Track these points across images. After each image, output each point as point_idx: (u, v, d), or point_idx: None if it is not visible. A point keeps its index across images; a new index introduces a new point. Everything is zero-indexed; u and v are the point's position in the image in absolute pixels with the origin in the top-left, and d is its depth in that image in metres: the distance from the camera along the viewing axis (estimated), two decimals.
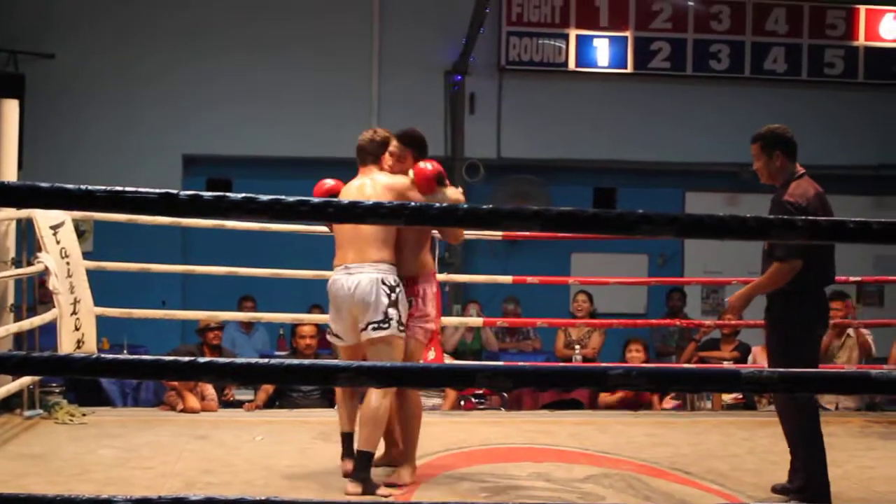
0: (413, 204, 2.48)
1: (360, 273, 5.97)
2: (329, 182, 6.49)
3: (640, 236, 2.38)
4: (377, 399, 5.91)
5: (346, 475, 6.04)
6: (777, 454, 7.03)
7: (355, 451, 5.97)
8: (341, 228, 6.16)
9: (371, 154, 6.31)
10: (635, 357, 9.82)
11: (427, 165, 6.15)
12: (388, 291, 5.94)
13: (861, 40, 14.14)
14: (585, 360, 10.52)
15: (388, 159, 6.28)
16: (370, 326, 5.94)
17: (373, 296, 5.94)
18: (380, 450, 6.28)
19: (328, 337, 6.45)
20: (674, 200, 13.94)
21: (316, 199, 2.33)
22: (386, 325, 5.93)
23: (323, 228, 8.66)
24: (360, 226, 5.84)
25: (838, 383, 2.74)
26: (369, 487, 5.83)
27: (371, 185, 6.19)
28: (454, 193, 6.25)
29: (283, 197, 2.32)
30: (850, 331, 9.56)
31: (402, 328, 6.01)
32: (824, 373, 3.24)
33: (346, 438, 6.22)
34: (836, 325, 9.51)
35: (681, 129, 13.75)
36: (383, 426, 6.01)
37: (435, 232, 7.06)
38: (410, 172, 6.19)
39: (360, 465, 5.88)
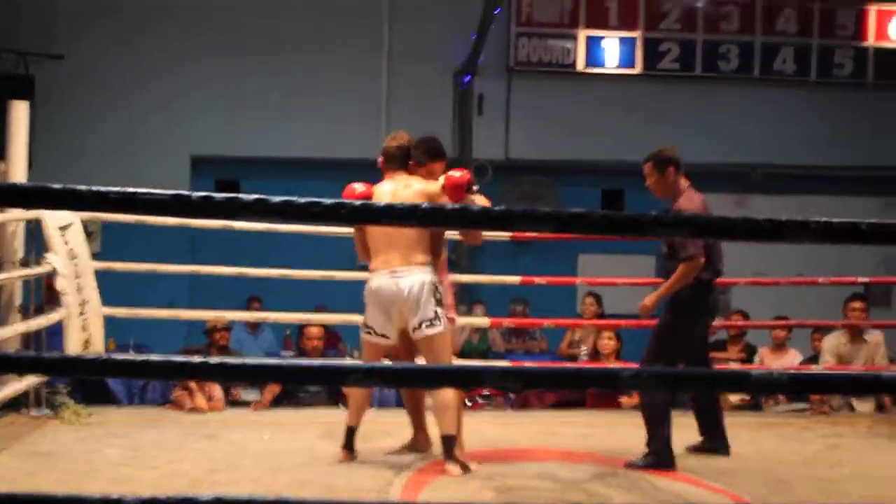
0: (425, 205, 2.48)
1: (410, 276, 6.32)
2: (359, 187, 6.63)
3: (652, 237, 2.38)
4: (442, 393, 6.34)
5: (340, 461, 6.53)
6: (784, 454, 7.06)
7: (441, 437, 6.37)
8: (374, 233, 6.42)
9: (398, 159, 6.57)
10: (608, 345, 9.70)
11: (456, 173, 6.39)
12: (434, 291, 6.35)
13: (871, 41, 14.11)
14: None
15: (421, 172, 6.53)
16: (423, 325, 6.32)
17: (423, 297, 6.30)
18: (405, 438, 6.81)
19: (368, 337, 6.55)
20: None
21: (328, 201, 2.33)
22: (438, 323, 6.33)
23: (331, 229, 8.66)
24: (401, 230, 6.18)
25: (849, 384, 2.74)
26: (465, 467, 6.29)
27: (403, 190, 6.45)
28: (482, 201, 6.43)
29: (295, 198, 2.31)
30: (867, 336, 9.45)
31: (447, 323, 6.46)
32: (832, 374, 3.24)
33: (350, 432, 6.63)
34: (852, 326, 9.44)
35: (689, 130, 13.72)
36: (455, 410, 6.38)
37: (456, 234, 7.49)
38: (441, 178, 6.42)
39: (448, 448, 6.31)
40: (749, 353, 10.31)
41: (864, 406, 9.14)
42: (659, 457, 6.56)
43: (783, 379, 2.52)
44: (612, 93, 13.84)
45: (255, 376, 2.48)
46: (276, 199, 2.28)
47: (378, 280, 6.38)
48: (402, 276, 6.31)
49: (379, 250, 6.41)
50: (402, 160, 6.54)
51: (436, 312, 6.32)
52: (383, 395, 9.41)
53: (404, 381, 3.07)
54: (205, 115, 13.13)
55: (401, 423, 6.92)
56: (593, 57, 13.78)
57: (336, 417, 7.59)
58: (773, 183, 13.94)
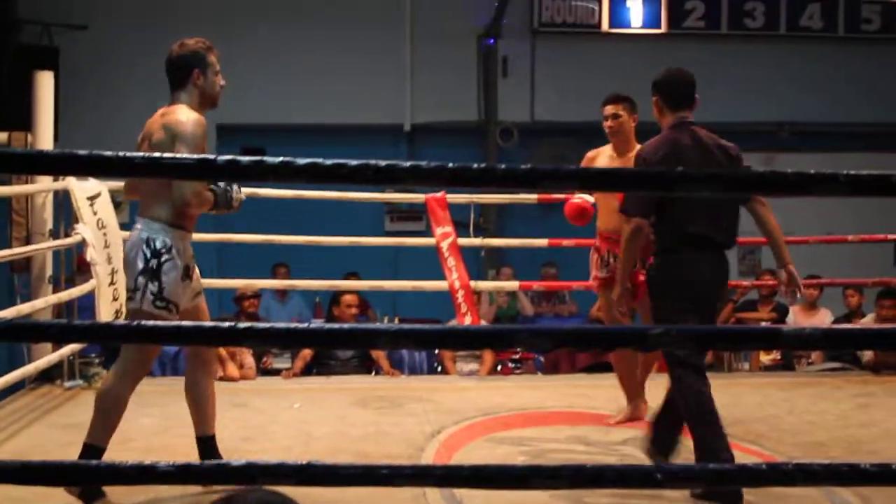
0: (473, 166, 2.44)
1: (135, 230, 4.91)
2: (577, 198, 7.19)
3: (681, 193, 2.36)
4: (110, 382, 4.89)
5: None
6: (815, 414, 7.02)
7: (84, 443, 4.86)
8: None
9: (179, 69, 5.38)
10: None
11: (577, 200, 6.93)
12: (150, 255, 4.79)
13: None
14: None
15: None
16: (128, 293, 4.88)
17: (131, 257, 4.85)
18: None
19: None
20: None
21: (354, 162, 2.31)
22: (136, 297, 4.79)
23: (358, 195, 8.63)
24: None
25: (882, 340, 2.71)
26: (86, 495, 4.78)
27: (158, 118, 5.26)
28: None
29: (320, 160, 2.30)
30: None
31: (160, 304, 4.78)
32: (869, 329, 3.21)
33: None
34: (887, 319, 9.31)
35: (716, 89, 13.58)
36: (114, 416, 4.85)
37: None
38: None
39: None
40: (781, 312, 10.23)
41: None
42: None
43: (816, 335, 2.50)
44: (637, 53, 13.72)
45: (286, 340, 2.47)
46: (301, 161, 2.28)
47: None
48: (134, 229, 4.91)
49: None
50: (184, 70, 5.34)
51: (136, 282, 4.78)
52: (413, 361, 9.43)
53: (437, 344, 3.06)
54: (230, 83, 12.89)
55: (431, 388, 6.93)
56: (617, 17, 13.69)
57: (367, 384, 7.61)
58: (800, 140, 13.84)
